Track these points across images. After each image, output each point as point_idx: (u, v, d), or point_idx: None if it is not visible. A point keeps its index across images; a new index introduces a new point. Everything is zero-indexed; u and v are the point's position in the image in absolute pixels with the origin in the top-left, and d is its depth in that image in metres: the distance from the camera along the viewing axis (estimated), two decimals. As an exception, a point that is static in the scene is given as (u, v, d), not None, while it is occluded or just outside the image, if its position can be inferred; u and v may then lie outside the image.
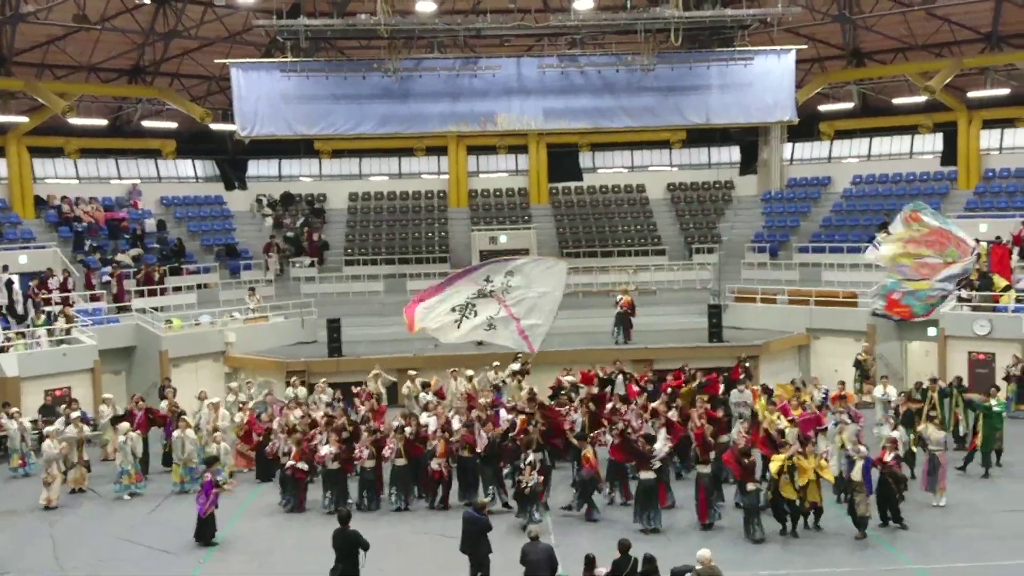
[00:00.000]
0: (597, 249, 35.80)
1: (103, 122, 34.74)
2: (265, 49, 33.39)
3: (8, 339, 24.60)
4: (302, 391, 22.80)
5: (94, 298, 28.79)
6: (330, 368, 26.57)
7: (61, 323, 25.60)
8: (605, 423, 18.72)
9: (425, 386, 22.28)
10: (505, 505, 17.46)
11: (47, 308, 26.24)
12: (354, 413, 20.85)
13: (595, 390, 21.28)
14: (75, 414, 20.50)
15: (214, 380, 26.70)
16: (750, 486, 15.88)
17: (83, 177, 35.76)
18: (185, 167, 38.34)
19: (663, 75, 28.93)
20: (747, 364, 24.15)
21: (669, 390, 20.62)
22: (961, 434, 20.50)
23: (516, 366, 23.17)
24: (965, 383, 22.21)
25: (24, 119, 31.71)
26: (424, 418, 19.45)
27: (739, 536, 15.84)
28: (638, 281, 32.40)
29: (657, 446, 16.86)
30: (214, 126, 34.84)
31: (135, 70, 34.04)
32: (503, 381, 23.06)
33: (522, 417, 18.42)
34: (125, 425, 19.63)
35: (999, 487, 18.53)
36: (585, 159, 39.67)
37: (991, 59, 32.11)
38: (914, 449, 18.48)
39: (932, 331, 26.44)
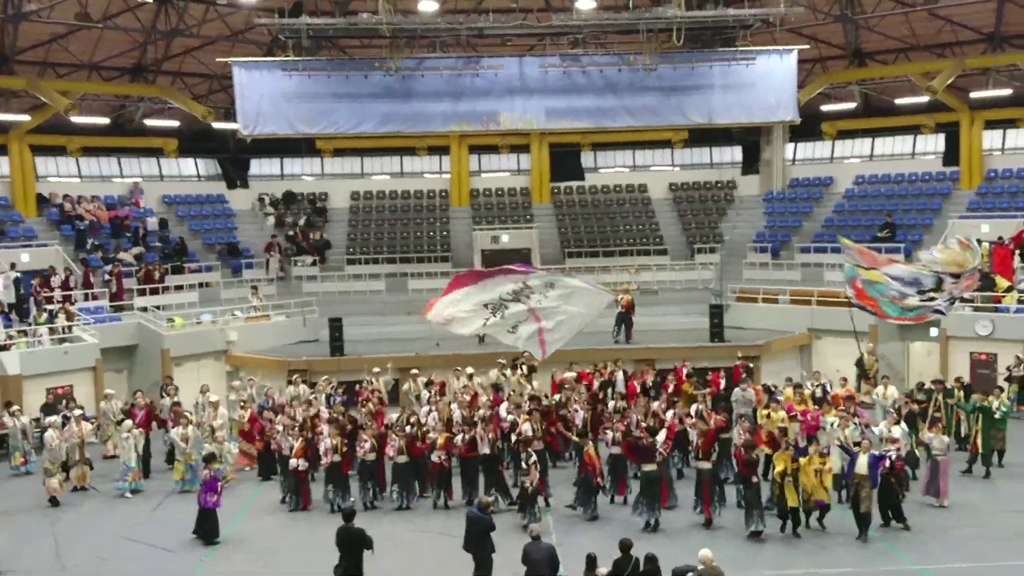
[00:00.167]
0: (599, 249, 35.75)
1: (105, 120, 34.72)
2: (267, 48, 33.45)
3: (10, 337, 24.62)
4: (304, 388, 22.79)
5: (92, 296, 28.75)
6: (331, 367, 26.50)
7: (62, 320, 25.61)
8: (606, 422, 18.70)
9: (428, 384, 22.26)
10: (511, 504, 17.39)
11: (48, 306, 26.25)
12: (355, 410, 20.82)
13: (596, 387, 21.21)
14: (76, 412, 20.50)
15: (216, 379, 26.65)
16: (753, 479, 15.88)
17: (85, 175, 35.79)
18: (187, 166, 38.34)
19: (665, 75, 28.95)
20: (750, 365, 24.11)
21: (671, 388, 20.57)
22: (963, 435, 20.43)
23: (524, 369, 23.07)
24: (966, 383, 22.12)
25: (26, 117, 31.71)
26: (424, 412, 19.46)
27: (741, 536, 15.83)
28: (640, 281, 32.35)
29: (659, 438, 16.95)
30: (216, 125, 34.86)
31: (137, 68, 34.07)
32: (503, 375, 22.96)
33: (524, 415, 18.40)
34: (128, 422, 19.70)
35: (999, 488, 18.53)
36: (587, 159, 39.65)
37: (993, 59, 32.10)
38: (917, 453, 18.48)
39: (934, 331, 26.42)
